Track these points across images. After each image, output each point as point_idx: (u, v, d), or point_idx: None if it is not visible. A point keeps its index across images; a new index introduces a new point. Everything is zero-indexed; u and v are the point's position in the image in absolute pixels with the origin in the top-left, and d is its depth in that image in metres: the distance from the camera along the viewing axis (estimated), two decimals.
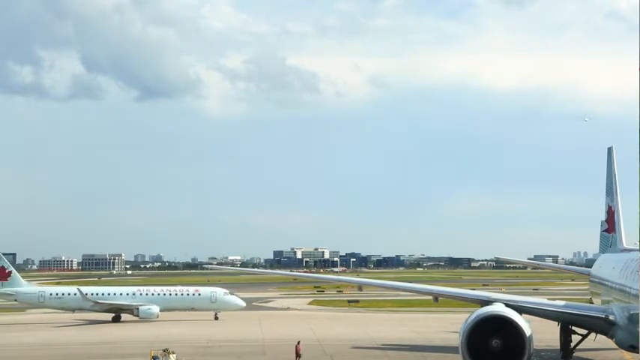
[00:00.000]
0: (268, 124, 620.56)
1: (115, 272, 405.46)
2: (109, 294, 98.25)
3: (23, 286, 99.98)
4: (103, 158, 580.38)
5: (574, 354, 49.98)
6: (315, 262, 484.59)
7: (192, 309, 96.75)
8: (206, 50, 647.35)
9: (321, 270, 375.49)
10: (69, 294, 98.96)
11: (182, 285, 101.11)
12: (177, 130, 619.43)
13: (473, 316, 40.07)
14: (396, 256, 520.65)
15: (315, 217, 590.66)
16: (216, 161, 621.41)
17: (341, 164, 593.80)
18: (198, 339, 73.25)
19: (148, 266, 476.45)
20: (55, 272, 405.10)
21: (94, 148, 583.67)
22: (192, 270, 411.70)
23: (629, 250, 50.59)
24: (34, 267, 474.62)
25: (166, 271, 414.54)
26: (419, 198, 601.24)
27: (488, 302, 45.57)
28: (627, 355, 53.85)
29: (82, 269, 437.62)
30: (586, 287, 63.36)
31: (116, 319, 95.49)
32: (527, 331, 39.24)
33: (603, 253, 57.82)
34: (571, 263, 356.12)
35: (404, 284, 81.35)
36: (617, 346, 46.74)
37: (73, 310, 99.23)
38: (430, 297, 73.69)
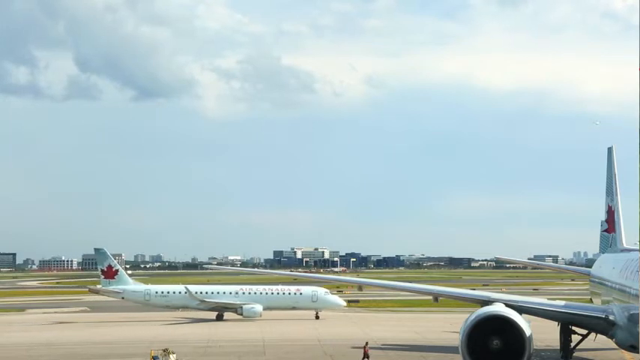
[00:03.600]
0: (266, 124, 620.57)
1: None
2: (212, 292, 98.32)
3: (130, 284, 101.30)
4: (103, 158, 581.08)
5: (574, 354, 49.93)
6: (315, 262, 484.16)
7: (294, 308, 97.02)
8: (202, 50, 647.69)
9: (321, 270, 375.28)
10: (174, 292, 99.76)
11: (282, 284, 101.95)
12: (176, 129, 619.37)
13: (473, 316, 40.05)
14: (396, 256, 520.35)
15: (315, 217, 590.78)
16: (215, 161, 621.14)
17: (341, 164, 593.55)
18: (199, 339, 73.26)
19: (147, 266, 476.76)
20: (55, 272, 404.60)
21: (93, 148, 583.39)
22: (192, 270, 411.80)
23: (629, 250, 50.57)
24: (34, 267, 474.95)
25: (166, 271, 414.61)
26: (419, 198, 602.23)
27: (488, 302, 45.56)
28: (627, 355, 53.86)
29: (82, 269, 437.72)
30: (586, 287, 63.38)
31: (219, 318, 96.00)
32: (527, 331, 39.22)
33: (603, 253, 57.79)
34: (571, 263, 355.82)
35: (404, 284, 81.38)
36: (617, 346, 46.79)
37: (177, 309, 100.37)
38: (430, 297, 73.87)
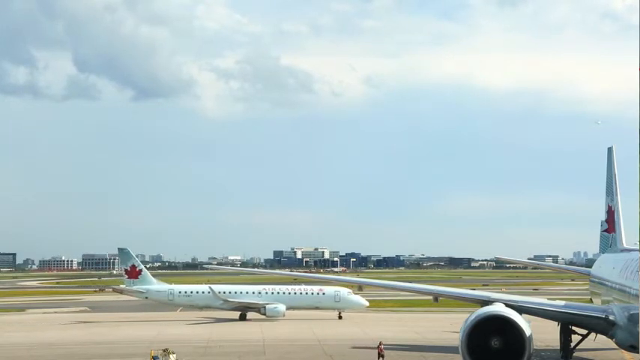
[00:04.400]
0: (266, 124, 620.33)
1: (115, 272, 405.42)
2: (235, 292, 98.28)
3: (153, 284, 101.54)
4: (103, 158, 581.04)
5: (574, 354, 49.93)
6: (315, 262, 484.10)
7: (317, 308, 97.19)
8: (201, 50, 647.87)
9: (321, 270, 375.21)
10: (197, 292, 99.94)
11: (305, 284, 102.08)
12: (175, 129, 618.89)
13: (473, 316, 40.05)
14: (396, 256, 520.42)
15: (315, 217, 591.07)
16: (215, 161, 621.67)
17: (341, 164, 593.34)
18: (198, 339, 73.25)
19: (147, 266, 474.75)
20: (55, 272, 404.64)
21: (93, 148, 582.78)
22: (192, 270, 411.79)
23: (629, 250, 50.55)
24: (34, 267, 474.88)
25: (166, 271, 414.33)
26: (419, 198, 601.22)
27: (488, 302, 45.54)
28: (627, 355, 53.87)
29: (82, 269, 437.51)
30: (586, 287, 63.36)
31: (242, 318, 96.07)
32: (527, 331, 39.22)
33: (603, 253, 57.77)
34: (571, 263, 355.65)
35: (404, 284, 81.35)
36: (617, 346, 46.78)
37: (200, 308, 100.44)
38: (430, 297, 73.78)
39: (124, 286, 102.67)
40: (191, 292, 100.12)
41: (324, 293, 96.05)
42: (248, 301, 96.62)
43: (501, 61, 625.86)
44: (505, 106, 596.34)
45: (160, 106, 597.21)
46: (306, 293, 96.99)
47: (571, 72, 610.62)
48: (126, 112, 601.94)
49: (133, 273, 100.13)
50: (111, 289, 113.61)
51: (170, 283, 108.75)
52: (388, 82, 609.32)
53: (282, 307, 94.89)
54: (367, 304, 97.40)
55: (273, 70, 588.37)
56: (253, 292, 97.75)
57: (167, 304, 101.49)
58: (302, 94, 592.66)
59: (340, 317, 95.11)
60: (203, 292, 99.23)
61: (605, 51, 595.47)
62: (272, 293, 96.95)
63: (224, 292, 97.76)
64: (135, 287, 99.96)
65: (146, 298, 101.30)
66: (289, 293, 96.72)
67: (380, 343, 58.33)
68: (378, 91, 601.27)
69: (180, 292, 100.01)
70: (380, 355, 56.91)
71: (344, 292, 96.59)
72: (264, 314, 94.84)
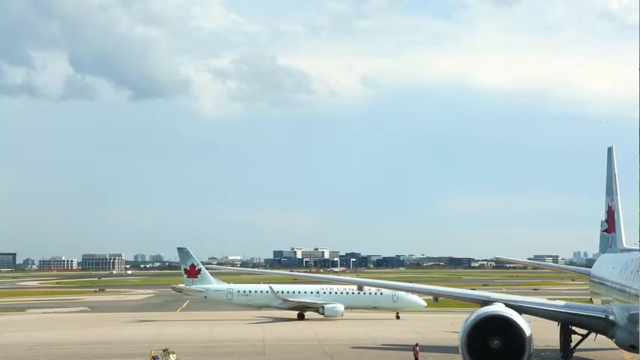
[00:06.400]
0: (264, 124, 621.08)
1: (115, 272, 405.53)
2: (294, 292, 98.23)
3: (213, 283, 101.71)
4: (103, 158, 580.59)
5: (574, 354, 49.93)
6: (315, 262, 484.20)
7: (375, 307, 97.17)
8: (198, 50, 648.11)
9: (321, 270, 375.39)
10: (256, 291, 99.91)
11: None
12: (174, 129, 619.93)
13: (473, 316, 40.05)
14: (396, 256, 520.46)
15: (315, 217, 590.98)
16: (215, 161, 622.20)
17: (341, 164, 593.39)
18: (199, 339, 73.22)
19: (148, 266, 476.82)
20: (55, 272, 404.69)
21: (92, 147, 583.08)
22: None
23: (629, 250, 50.50)
24: (34, 267, 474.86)
25: (166, 271, 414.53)
26: (419, 198, 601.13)
27: (488, 302, 45.51)
28: (627, 355, 53.88)
29: (82, 269, 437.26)
30: (586, 287, 63.33)
31: (300, 317, 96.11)
32: (527, 331, 39.21)
33: (603, 253, 57.74)
34: (571, 263, 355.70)
35: (404, 284, 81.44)
36: (617, 346, 46.76)
37: (259, 308, 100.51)
38: (430, 297, 73.76)
39: (183, 285, 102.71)
40: (250, 292, 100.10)
41: (381, 293, 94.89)
42: (307, 301, 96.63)
43: (500, 61, 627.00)
44: (504, 106, 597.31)
45: (159, 106, 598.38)
46: (364, 293, 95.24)
47: (570, 72, 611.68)
48: (124, 112, 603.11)
49: (193, 272, 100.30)
50: (171, 289, 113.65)
51: (228, 282, 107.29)
52: (386, 81, 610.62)
53: (340, 307, 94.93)
54: (425, 304, 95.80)
55: (271, 70, 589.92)
56: (311, 292, 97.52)
57: (226, 302, 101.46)
58: (300, 94, 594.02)
59: (398, 317, 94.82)
60: (262, 292, 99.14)
61: (604, 51, 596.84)
62: (330, 293, 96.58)
63: (283, 292, 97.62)
64: (194, 286, 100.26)
65: (205, 297, 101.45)
66: (347, 293, 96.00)
67: (416, 345, 57.81)
68: (377, 90, 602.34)
69: (239, 292, 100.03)
70: (415, 357, 56.49)
71: (402, 292, 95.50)
72: (323, 314, 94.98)
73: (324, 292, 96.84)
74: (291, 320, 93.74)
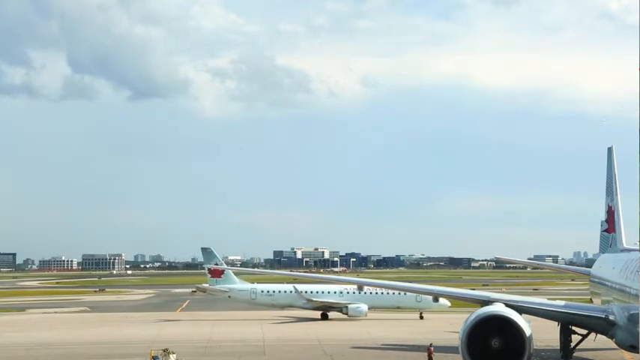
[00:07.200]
0: (264, 124, 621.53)
1: (115, 272, 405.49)
2: (318, 292, 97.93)
3: (236, 283, 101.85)
4: (103, 158, 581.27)
5: (574, 354, 49.91)
6: (315, 262, 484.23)
7: (398, 307, 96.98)
8: (197, 50, 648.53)
9: (321, 270, 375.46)
10: (280, 291, 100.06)
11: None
12: (174, 129, 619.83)
13: (473, 316, 40.06)
14: (396, 256, 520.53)
15: (315, 217, 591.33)
16: (215, 161, 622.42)
17: (341, 164, 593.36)
18: (199, 339, 73.21)
19: (148, 266, 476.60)
20: (55, 272, 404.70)
21: (92, 147, 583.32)
22: (192, 270, 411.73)
23: (629, 250, 50.48)
24: (34, 267, 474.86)
25: (166, 271, 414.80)
26: (419, 198, 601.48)
27: (488, 302, 45.50)
28: (627, 355, 53.87)
29: (82, 269, 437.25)
30: (586, 287, 63.32)
31: (324, 317, 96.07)
32: (527, 331, 39.21)
33: (603, 253, 57.72)
34: (571, 263, 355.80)
35: (404, 284, 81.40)
36: (617, 346, 46.75)
37: (282, 308, 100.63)
38: (430, 297, 73.74)
39: (207, 285, 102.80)
40: (273, 292, 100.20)
41: (405, 293, 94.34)
42: (331, 301, 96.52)
43: (500, 61, 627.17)
44: (504, 106, 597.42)
45: (158, 106, 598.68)
46: (388, 293, 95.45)
47: (570, 72, 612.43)
48: (123, 113, 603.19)
49: (217, 272, 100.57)
50: (195, 289, 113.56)
51: (253, 282, 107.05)
52: (386, 82, 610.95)
53: (364, 307, 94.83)
54: (449, 304, 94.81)
55: (270, 70, 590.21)
56: (335, 292, 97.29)
57: (249, 302, 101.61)
58: (299, 94, 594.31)
59: (421, 317, 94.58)
60: (286, 292, 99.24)
61: (604, 51, 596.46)
62: (354, 293, 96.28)
63: (306, 292, 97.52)
64: (218, 286, 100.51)
65: (229, 297, 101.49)
66: (370, 293, 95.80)
67: (430, 345, 57.67)
68: (376, 91, 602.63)
69: (262, 292, 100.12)
70: (430, 358, 56.38)
71: None
72: (347, 314, 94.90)
73: (348, 292, 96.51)
74: (313, 320, 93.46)
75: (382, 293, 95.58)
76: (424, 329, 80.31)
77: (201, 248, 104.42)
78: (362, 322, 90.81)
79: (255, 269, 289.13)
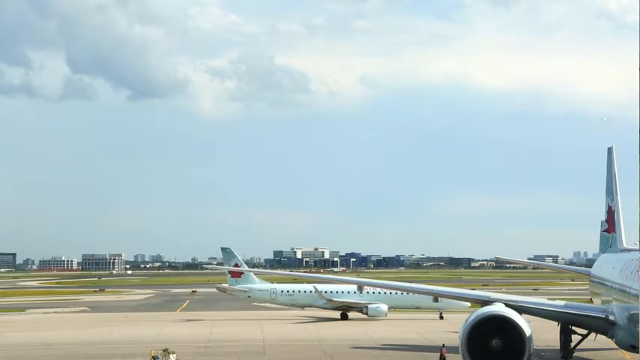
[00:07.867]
0: (264, 124, 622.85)
1: (115, 272, 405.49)
2: (337, 292, 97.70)
3: (256, 283, 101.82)
4: (103, 158, 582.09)
5: (574, 354, 49.94)
6: (315, 262, 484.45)
7: (418, 308, 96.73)
8: (196, 50, 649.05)
9: (321, 270, 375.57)
10: (299, 291, 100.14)
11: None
12: (173, 130, 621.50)
13: (473, 316, 40.07)
14: (396, 256, 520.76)
15: (315, 217, 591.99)
16: (215, 161, 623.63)
17: (341, 164, 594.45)
18: (199, 339, 73.18)
19: (148, 266, 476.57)
20: (55, 272, 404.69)
21: (93, 148, 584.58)
22: (192, 270, 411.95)
23: (629, 250, 50.50)
24: (34, 267, 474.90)
25: (166, 271, 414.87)
26: (419, 198, 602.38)
27: (488, 302, 45.51)
28: (627, 355, 53.86)
29: (82, 269, 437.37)
30: (586, 287, 63.34)
31: (344, 317, 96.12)
32: (527, 331, 39.21)
33: (603, 253, 57.74)
34: (571, 263, 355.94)
35: (404, 284, 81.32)
36: (617, 346, 46.74)
37: (302, 307, 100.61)
38: (430, 297, 73.69)
39: (227, 285, 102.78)
40: (293, 292, 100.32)
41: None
42: (351, 301, 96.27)
43: (499, 61, 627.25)
44: (504, 106, 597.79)
45: (157, 107, 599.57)
46: (407, 293, 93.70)
47: (569, 72, 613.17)
48: (122, 113, 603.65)
49: (236, 272, 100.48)
50: (215, 289, 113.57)
51: (272, 282, 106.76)
52: (385, 81, 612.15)
53: (384, 307, 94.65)
54: (468, 304, 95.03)
55: (269, 70, 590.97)
56: (355, 292, 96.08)
57: (269, 302, 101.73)
58: (298, 94, 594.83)
59: (441, 317, 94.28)
60: (305, 292, 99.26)
61: (603, 51, 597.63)
62: (374, 293, 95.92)
63: (326, 292, 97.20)
64: (238, 286, 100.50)
65: (249, 297, 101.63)
66: (390, 293, 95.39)
67: (443, 346, 57.51)
68: (375, 90, 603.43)
69: (282, 292, 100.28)
70: (442, 358, 56.32)
71: None
72: (366, 314, 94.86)
73: (367, 292, 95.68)
74: (334, 320, 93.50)
75: (402, 293, 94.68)
76: (424, 329, 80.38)
77: (221, 248, 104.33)
78: (362, 322, 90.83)
79: (255, 269, 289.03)
